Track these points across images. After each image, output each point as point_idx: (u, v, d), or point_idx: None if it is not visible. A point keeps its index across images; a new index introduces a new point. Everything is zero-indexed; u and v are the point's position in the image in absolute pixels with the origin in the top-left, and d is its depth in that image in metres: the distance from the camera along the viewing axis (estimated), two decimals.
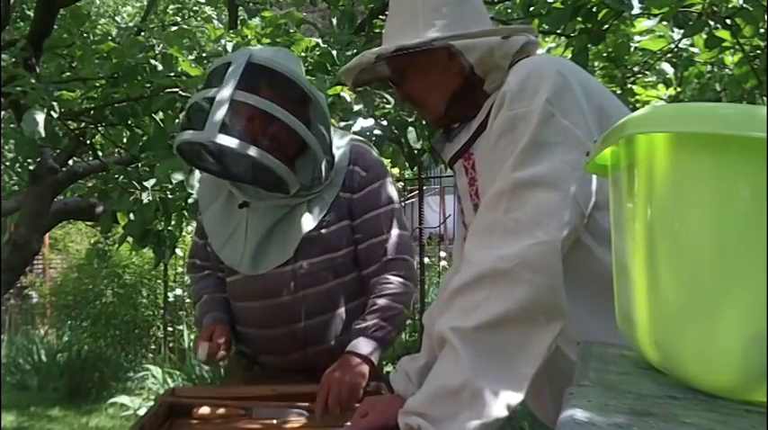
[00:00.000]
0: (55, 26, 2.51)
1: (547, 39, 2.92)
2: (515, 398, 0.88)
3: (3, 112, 2.89)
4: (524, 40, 1.11)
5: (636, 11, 2.12)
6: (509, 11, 3.12)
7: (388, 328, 1.39)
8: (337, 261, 1.47)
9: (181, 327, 5.28)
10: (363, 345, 1.36)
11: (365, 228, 1.48)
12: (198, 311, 1.56)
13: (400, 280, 1.45)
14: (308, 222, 1.45)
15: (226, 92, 1.33)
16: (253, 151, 1.33)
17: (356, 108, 2.15)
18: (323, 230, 1.46)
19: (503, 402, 0.87)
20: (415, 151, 2.52)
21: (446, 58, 1.12)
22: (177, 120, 2.39)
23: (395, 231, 1.48)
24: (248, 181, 1.46)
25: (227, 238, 1.50)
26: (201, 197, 1.59)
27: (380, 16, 2.78)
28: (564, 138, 0.97)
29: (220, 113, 1.31)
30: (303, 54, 2.20)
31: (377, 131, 2.18)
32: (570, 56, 2.27)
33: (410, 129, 2.34)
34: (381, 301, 1.42)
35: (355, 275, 1.51)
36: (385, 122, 2.33)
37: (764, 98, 2.53)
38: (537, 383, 0.92)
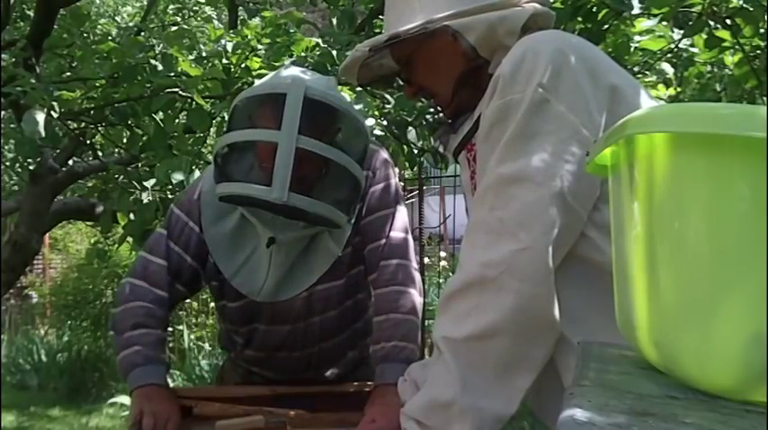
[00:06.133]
0: (55, 26, 2.50)
1: None
2: (508, 410, 0.87)
3: (3, 112, 2.88)
4: (530, 12, 1.00)
5: (636, 11, 2.11)
6: None
7: (410, 347, 1.32)
8: (353, 280, 1.42)
9: (181, 327, 5.26)
10: (391, 373, 1.24)
11: (366, 231, 1.39)
12: (128, 354, 1.30)
13: (400, 287, 1.35)
14: (334, 250, 1.36)
15: (289, 138, 1.15)
16: (323, 209, 1.20)
17: (356, 108, 2.14)
18: (340, 253, 1.37)
19: (493, 416, 0.87)
20: (415, 151, 2.52)
21: (451, 40, 1.01)
22: (177, 120, 2.39)
23: (393, 234, 1.38)
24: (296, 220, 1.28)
25: (239, 265, 1.36)
26: (206, 211, 1.36)
27: (380, 16, 2.77)
28: (557, 127, 0.87)
29: (288, 169, 1.15)
30: (303, 54, 2.20)
31: (377, 131, 2.18)
32: None
33: (410, 128, 2.34)
34: (394, 317, 1.33)
35: (366, 292, 1.46)
36: (385, 122, 2.34)
37: (764, 98, 2.53)
38: (537, 381, 0.91)
